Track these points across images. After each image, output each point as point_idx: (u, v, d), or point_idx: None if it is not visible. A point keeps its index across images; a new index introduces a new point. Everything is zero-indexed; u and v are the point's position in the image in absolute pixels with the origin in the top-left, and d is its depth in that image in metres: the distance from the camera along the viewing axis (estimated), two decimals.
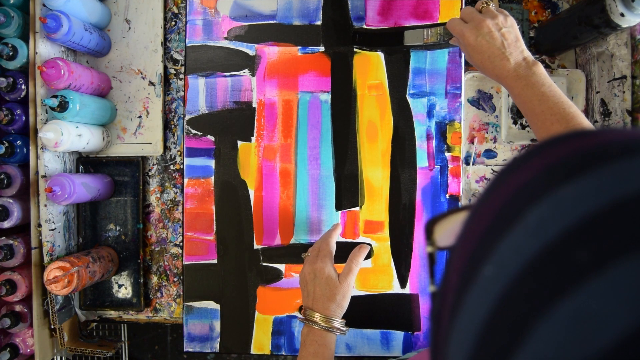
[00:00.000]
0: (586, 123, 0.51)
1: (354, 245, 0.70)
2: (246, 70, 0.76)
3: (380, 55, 0.75)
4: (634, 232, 0.14)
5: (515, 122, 0.79)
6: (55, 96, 0.67)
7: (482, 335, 0.16)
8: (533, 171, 0.18)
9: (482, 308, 0.16)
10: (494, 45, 0.56)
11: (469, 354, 0.16)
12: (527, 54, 0.56)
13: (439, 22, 0.74)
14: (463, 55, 0.74)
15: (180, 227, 0.81)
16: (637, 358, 0.12)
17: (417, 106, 0.74)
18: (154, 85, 0.79)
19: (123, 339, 0.89)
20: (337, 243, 0.68)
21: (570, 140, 0.18)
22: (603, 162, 0.16)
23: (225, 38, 0.76)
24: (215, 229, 0.75)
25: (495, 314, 0.16)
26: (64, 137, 0.68)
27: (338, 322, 0.60)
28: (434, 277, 0.25)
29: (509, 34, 0.56)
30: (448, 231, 0.26)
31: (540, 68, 0.55)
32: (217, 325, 0.75)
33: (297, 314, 0.75)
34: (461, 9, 0.73)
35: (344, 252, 0.68)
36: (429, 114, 0.74)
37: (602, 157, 0.16)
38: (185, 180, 0.76)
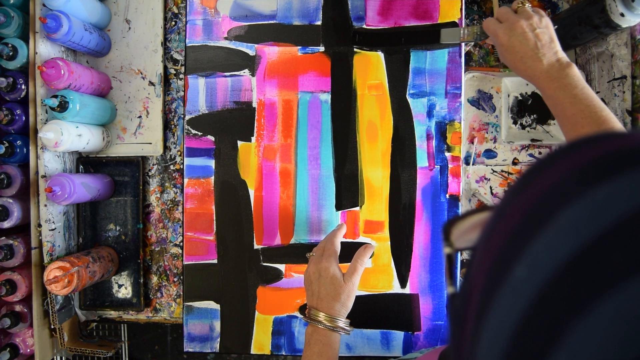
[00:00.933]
0: (618, 126, 0.51)
1: (353, 245, 0.70)
2: (246, 70, 0.76)
3: (380, 55, 0.75)
4: None
5: (515, 122, 0.79)
6: (55, 96, 0.67)
7: (516, 336, 0.16)
8: (563, 172, 0.18)
9: (514, 309, 0.16)
10: (527, 46, 0.56)
11: (503, 354, 0.16)
12: (562, 55, 0.56)
13: (438, 24, 0.74)
14: (463, 55, 0.74)
15: (180, 227, 0.81)
16: None
17: (417, 106, 0.74)
18: (154, 85, 0.79)
19: (123, 339, 0.89)
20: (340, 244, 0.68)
21: (600, 142, 0.18)
22: (634, 163, 0.16)
23: (225, 38, 0.76)
24: (215, 229, 0.75)
25: (530, 314, 0.16)
26: (64, 137, 0.68)
27: (343, 322, 0.60)
28: (452, 278, 0.25)
29: (543, 34, 0.56)
30: (466, 232, 0.26)
31: (574, 70, 0.54)
32: (217, 325, 0.75)
33: (297, 314, 0.75)
34: (461, 9, 0.73)
35: (345, 252, 0.68)
36: (429, 114, 0.74)
37: (633, 159, 0.16)
38: (185, 180, 0.76)
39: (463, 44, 0.74)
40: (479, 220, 0.26)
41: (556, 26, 0.59)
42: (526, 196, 0.19)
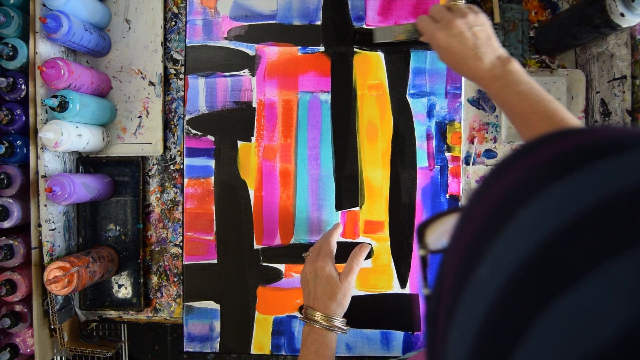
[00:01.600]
0: (569, 117, 0.50)
1: (354, 245, 0.70)
2: (246, 70, 0.76)
3: (380, 55, 0.75)
4: (627, 228, 0.14)
5: (515, 127, 0.79)
6: (55, 96, 0.67)
7: (481, 336, 0.16)
8: (522, 171, 0.18)
9: (478, 309, 0.16)
10: (466, 46, 0.54)
11: (468, 355, 0.16)
12: (501, 51, 0.55)
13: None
14: None
15: (180, 227, 0.81)
16: (635, 353, 0.12)
17: (417, 106, 0.74)
18: (154, 85, 0.79)
19: (123, 339, 0.89)
20: (337, 243, 0.68)
21: (557, 139, 0.18)
22: (593, 159, 0.16)
23: (225, 38, 0.76)
24: (215, 229, 0.75)
25: (492, 314, 0.16)
26: (64, 137, 0.68)
27: (339, 321, 0.60)
28: (427, 280, 0.25)
29: (481, 32, 0.55)
30: (440, 234, 0.26)
31: (516, 65, 0.53)
32: (217, 325, 0.75)
33: (297, 314, 0.75)
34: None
35: (345, 252, 0.68)
36: (429, 114, 0.74)
37: (592, 155, 0.17)
38: (185, 180, 0.76)
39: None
40: (453, 222, 0.26)
41: (493, 24, 0.57)
42: (488, 198, 0.19)
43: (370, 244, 0.68)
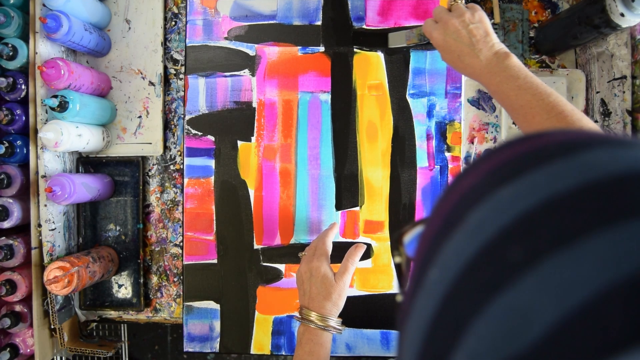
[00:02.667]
0: (569, 109, 0.49)
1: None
2: (246, 70, 0.76)
3: (380, 55, 0.75)
4: (562, 228, 0.14)
5: (515, 122, 0.79)
6: (55, 96, 0.67)
7: (427, 337, 0.16)
8: (476, 176, 0.18)
9: (427, 310, 0.17)
10: (462, 43, 0.55)
11: (416, 355, 0.16)
12: (499, 47, 0.55)
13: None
14: None
15: (180, 227, 0.81)
16: (562, 350, 0.12)
17: (417, 106, 0.74)
18: (154, 85, 0.79)
19: (123, 339, 0.89)
20: (337, 243, 0.68)
21: (513, 145, 0.19)
22: (539, 162, 0.17)
23: (226, 38, 0.76)
24: (215, 229, 0.75)
25: (438, 315, 0.16)
26: (64, 137, 0.68)
27: (334, 321, 0.60)
28: (402, 287, 0.25)
29: (477, 29, 0.55)
30: (415, 241, 0.26)
31: (513, 60, 0.53)
32: (217, 325, 0.75)
33: (296, 314, 0.75)
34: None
35: (343, 252, 0.68)
36: (429, 114, 0.74)
37: (539, 158, 0.17)
38: (185, 180, 0.76)
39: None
40: None
41: (493, 24, 0.58)
42: (446, 202, 0.19)
43: (365, 245, 0.68)
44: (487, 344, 0.14)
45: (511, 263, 0.15)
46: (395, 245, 0.26)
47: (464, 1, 0.59)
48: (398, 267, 0.26)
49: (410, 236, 0.26)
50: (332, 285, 0.61)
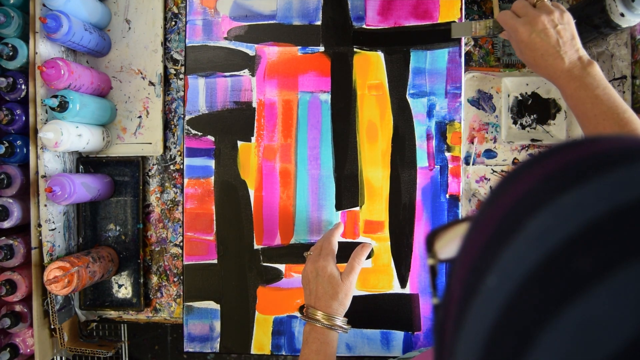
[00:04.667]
0: None
1: (354, 245, 0.70)
2: (246, 70, 0.76)
3: (380, 55, 0.75)
4: (635, 239, 0.14)
5: (515, 122, 0.79)
6: (55, 96, 0.67)
7: (488, 346, 0.16)
8: (532, 181, 0.18)
9: (486, 318, 0.16)
10: (549, 43, 0.54)
11: None
12: (583, 53, 0.54)
13: (438, 23, 0.74)
14: (463, 54, 0.74)
15: (180, 227, 0.81)
16: None
17: (417, 106, 0.74)
18: (154, 85, 0.79)
19: (123, 339, 0.89)
20: (337, 243, 0.68)
21: (567, 149, 0.18)
22: (602, 169, 0.16)
23: (225, 38, 0.76)
24: (215, 229, 0.75)
25: (499, 324, 0.16)
26: (64, 137, 0.68)
27: (340, 320, 0.60)
28: (436, 289, 0.25)
29: (564, 31, 0.54)
30: (449, 243, 0.26)
31: (596, 69, 0.53)
32: (217, 325, 0.75)
33: (297, 314, 0.75)
34: (461, 9, 0.73)
35: (344, 252, 0.68)
36: (429, 113, 0.74)
37: (601, 165, 0.17)
38: (185, 180, 0.76)
39: (463, 41, 0.74)
40: (462, 231, 0.26)
41: (576, 21, 0.57)
42: (498, 206, 0.19)
43: (371, 244, 0.68)
44: (561, 356, 0.14)
45: (580, 273, 0.14)
46: (429, 247, 0.26)
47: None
48: (432, 269, 0.26)
49: (444, 238, 0.26)
50: (339, 284, 0.61)
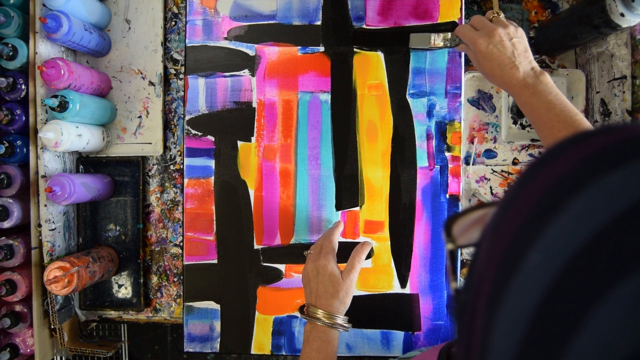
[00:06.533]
0: (592, 129, 0.53)
1: (354, 245, 0.70)
2: (246, 70, 0.76)
3: (380, 55, 0.75)
4: None
5: (515, 122, 0.79)
6: (55, 96, 0.67)
7: (535, 322, 0.16)
8: (571, 162, 0.19)
9: (530, 296, 0.17)
10: (505, 54, 0.58)
11: (522, 340, 0.16)
12: (535, 64, 0.59)
13: (438, 24, 0.74)
14: (463, 55, 0.74)
15: (180, 227, 0.81)
16: None
17: (417, 106, 0.74)
18: (154, 85, 0.79)
19: (123, 339, 0.89)
20: (338, 242, 0.68)
21: (605, 133, 0.19)
22: None
23: (225, 38, 0.76)
24: (215, 229, 0.75)
25: (547, 301, 0.16)
26: (64, 137, 0.68)
27: (341, 319, 0.60)
28: (455, 274, 0.25)
29: (519, 44, 0.58)
30: (467, 229, 0.26)
31: (547, 77, 0.57)
32: (217, 325, 0.75)
33: (297, 313, 0.75)
34: (461, 9, 0.73)
35: (344, 252, 0.68)
36: (429, 113, 0.74)
37: None
38: (185, 180, 0.76)
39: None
40: (480, 216, 0.26)
41: (529, 36, 0.61)
42: (535, 186, 0.19)
43: (371, 243, 0.68)
44: (616, 329, 0.14)
45: (631, 250, 0.15)
46: (447, 232, 0.26)
47: (503, 16, 0.62)
48: (451, 254, 0.26)
49: (463, 224, 0.26)
50: (339, 283, 0.61)
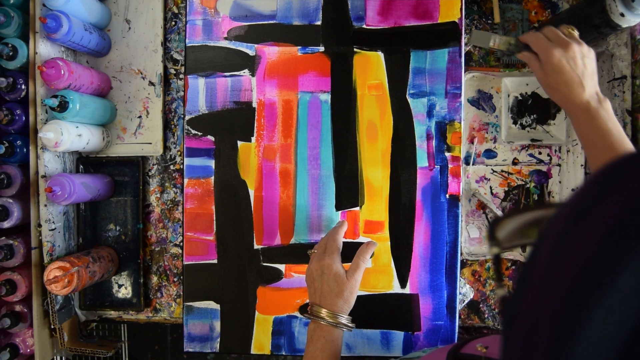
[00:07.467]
0: None
1: (354, 244, 0.70)
2: (246, 70, 0.76)
3: (380, 55, 0.75)
4: None
5: (515, 122, 0.79)
6: (55, 96, 0.67)
7: (630, 348, 0.15)
8: None
9: (625, 320, 0.15)
10: (575, 71, 0.57)
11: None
12: (599, 89, 0.58)
13: (438, 24, 0.74)
14: (463, 55, 0.74)
15: (180, 227, 0.81)
16: None
17: (417, 106, 0.74)
18: (154, 85, 0.79)
19: (123, 339, 0.89)
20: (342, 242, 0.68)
21: None
22: None
23: (225, 38, 0.76)
24: (215, 229, 0.75)
25: None
26: (64, 137, 0.68)
27: (345, 318, 0.60)
28: (501, 279, 0.24)
29: (590, 65, 0.58)
30: (513, 231, 0.25)
31: (609, 105, 0.57)
32: (217, 325, 0.75)
33: (297, 314, 0.75)
34: (461, 9, 0.73)
35: (344, 252, 0.68)
36: (429, 113, 0.74)
37: None
38: (185, 180, 0.76)
39: (463, 41, 0.74)
40: (530, 219, 0.25)
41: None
42: (617, 198, 0.17)
43: (376, 243, 0.68)
44: None
45: None
46: (491, 235, 0.25)
47: (577, 33, 0.61)
48: (496, 257, 0.25)
49: (507, 227, 0.25)
50: (344, 282, 0.61)
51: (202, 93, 0.76)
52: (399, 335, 0.74)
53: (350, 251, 0.67)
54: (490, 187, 0.79)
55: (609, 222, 0.17)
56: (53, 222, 0.73)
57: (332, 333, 0.59)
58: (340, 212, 0.75)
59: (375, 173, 0.74)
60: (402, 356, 0.73)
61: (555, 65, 0.58)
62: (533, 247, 0.21)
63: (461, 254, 0.76)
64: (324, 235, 0.75)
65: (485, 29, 0.78)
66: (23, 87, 0.71)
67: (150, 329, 1.48)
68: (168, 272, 0.81)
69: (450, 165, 0.74)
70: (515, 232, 0.25)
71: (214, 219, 0.75)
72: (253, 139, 0.76)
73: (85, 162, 0.79)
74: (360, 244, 0.68)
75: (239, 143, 0.76)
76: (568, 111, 0.59)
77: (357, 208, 0.75)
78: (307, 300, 0.75)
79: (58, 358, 0.80)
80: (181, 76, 0.81)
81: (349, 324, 0.60)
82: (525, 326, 0.19)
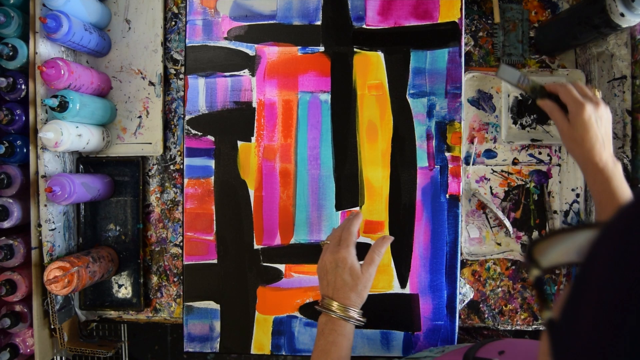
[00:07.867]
0: None
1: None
2: (246, 70, 0.76)
3: (380, 55, 0.75)
4: None
5: (515, 122, 0.79)
6: (55, 96, 0.67)
7: None
8: None
9: None
10: (600, 131, 0.59)
11: None
12: (612, 152, 0.61)
13: (438, 23, 0.74)
14: (463, 55, 0.74)
15: (180, 227, 0.81)
16: None
17: (417, 106, 0.74)
18: (154, 85, 0.79)
19: (123, 339, 0.89)
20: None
21: None
22: None
23: (225, 38, 0.76)
24: (215, 229, 0.75)
25: None
26: (64, 137, 0.68)
27: (356, 312, 0.59)
28: (546, 302, 0.23)
29: (610, 128, 0.61)
30: (554, 252, 0.25)
31: (621, 168, 0.60)
32: (217, 325, 0.75)
33: (297, 314, 0.75)
34: (461, 9, 0.73)
35: None
36: (429, 113, 0.74)
37: None
38: (185, 180, 0.76)
39: (463, 41, 0.74)
40: (572, 239, 0.25)
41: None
42: None
43: (391, 237, 0.66)
44: None
45: None
46: (530, 258, 0.25)
47: (601, 95, 0.63)
48: (538, 280, 0.24)
49: (546, 248, 0.25)
50: (359, 276, 0.60)
51: (202, 93, 0.76)
52: (399, 335, 0.74)
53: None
54: (490, 187, 0.79)
55: None
56: (53, 222, 0.73)
57: (344, 327, 0.58)
58: (340, 212, 0.75)
59: (375, 173, 0.74)
60: (405, 356, 0.73)
61: (585, 121, 0.59)
62: (582, 266, 0.21)
63: (461, 254, 0.76)
64: (324, 235, 0.75)
65: (511, 63, 0.78)
66: (23, 87, 0.71)
67: (150, 329, 1.48)
68: (168, 272, 0.81)
69: (450, 165, 0.74)
70: (556, 253, 0.25)
71: (214, 219, 0.75)
72: (253, 139, 0.76)
73: (85, 162, 0.79)
74: (360, 244, 0.68)
75: (239, 143, 0.76)
76: (585, 168, 0.61)
77: (357, 208, 0.75)
78: (308, 301, 0.75)
79: (58, 358, 0.80)
80: (181, 76, 0.81)
81: (360, 318, 0.59)
82: (587, 345, 0.19)
